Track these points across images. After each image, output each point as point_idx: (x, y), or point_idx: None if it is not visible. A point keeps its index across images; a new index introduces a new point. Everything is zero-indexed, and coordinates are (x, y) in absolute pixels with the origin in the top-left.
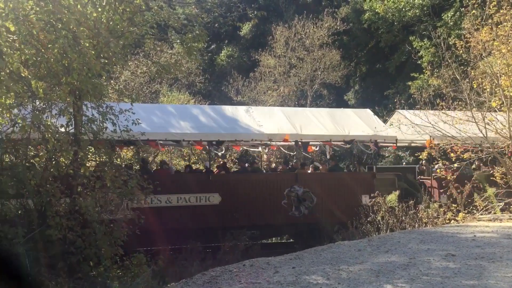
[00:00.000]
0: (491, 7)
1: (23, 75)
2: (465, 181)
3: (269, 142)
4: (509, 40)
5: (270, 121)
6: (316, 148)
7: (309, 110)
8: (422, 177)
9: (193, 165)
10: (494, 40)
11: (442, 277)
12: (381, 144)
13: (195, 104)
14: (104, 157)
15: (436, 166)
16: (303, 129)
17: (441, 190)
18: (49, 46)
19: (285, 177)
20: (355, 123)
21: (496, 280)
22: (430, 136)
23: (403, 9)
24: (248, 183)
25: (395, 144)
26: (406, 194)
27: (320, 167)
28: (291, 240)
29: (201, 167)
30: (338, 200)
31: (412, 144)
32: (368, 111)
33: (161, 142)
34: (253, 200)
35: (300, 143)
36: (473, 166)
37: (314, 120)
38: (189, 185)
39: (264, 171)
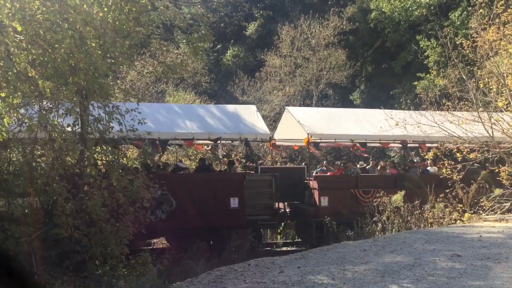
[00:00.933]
0: (498, 6)
1: (30, 75)
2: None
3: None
4: None
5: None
6: (208, 147)
7: (176, 106)
8: (308, 178)
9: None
10: (501, 39)
11: (448, 278)
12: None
13: (201, 104)
14: (110, 157)
15: (324, 168)
16: (162, 127)
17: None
18: (55, 46)
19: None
20: (227, 120)
21: (502, 281)
22: (308, 134)
23: (410, 9)
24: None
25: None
26: (287, 195)
27: (185, 168)
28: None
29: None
30: (202, 204)
31: (290, 143)
32: (252, 108)
33: None
34: None
35: (157, 142)
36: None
37: (183, 117)
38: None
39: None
